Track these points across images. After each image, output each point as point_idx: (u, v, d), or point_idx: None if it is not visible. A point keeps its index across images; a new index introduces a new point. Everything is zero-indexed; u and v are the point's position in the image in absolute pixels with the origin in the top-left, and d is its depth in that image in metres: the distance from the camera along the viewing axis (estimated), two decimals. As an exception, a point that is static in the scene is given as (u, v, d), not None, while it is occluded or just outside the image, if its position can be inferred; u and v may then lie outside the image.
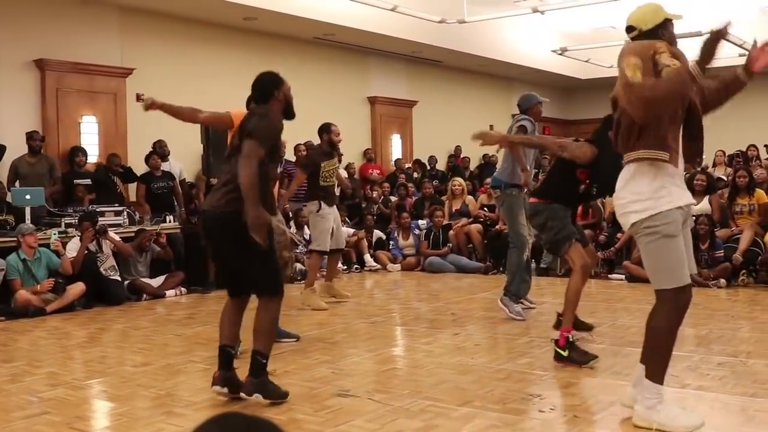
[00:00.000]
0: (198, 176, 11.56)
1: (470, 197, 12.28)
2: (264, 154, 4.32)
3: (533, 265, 9.00)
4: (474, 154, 16.75)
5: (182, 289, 9.29)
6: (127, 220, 9.48)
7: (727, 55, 17.06)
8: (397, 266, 11.49)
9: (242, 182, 4.21)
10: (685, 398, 4.34)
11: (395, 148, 15.73)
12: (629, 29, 3.96)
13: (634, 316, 7.08)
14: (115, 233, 9.06)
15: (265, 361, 4.40)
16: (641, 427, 3.82)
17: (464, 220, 11.58)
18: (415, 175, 15.08)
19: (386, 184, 13.59)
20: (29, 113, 10.11)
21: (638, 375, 3.97)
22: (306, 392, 4.66)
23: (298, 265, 10.31)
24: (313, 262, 8.18)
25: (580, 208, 9.80)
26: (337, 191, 9.41)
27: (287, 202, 10.87)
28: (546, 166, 12.26)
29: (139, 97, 8.04)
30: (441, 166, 16.14)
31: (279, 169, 6.11)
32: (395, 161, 15.11)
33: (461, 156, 16.41)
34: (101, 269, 8.68)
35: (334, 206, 8.27)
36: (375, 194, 12.99)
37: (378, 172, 14.49)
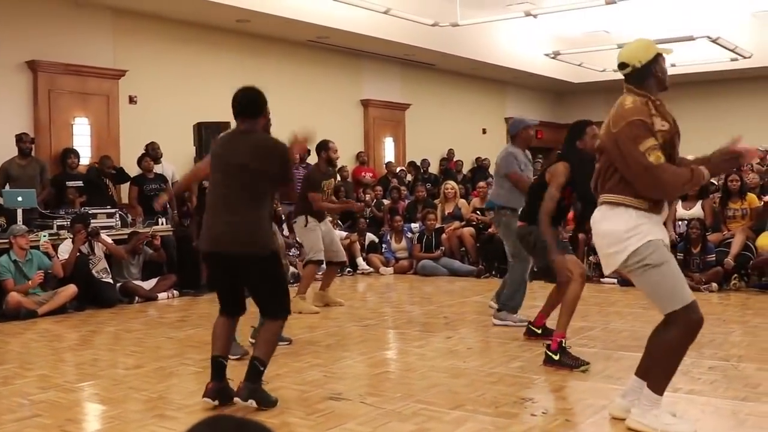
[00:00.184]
0: (190, 179, 11.53)
1: (463, 200, 12.29)
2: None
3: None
4: (467, 157, 16.79)
5: (174, 291, 9.27)
6: (119, 223, 9.46)
7: (720, 59, 17.23)
8: (390, 269, 11.49)
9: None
10: (677, 402, 4.35)
11: (388, 151, 15.72)
12: (622, 66, 3.93)
13: (626, 320, 7.10)
14: (108, 235, 9.04)
15: (262, 368, 4.41)
16: (635, 430, 3.83)
17: (457, 224, 11.58)
18: (409, 177, 15.09)
19: (379, 188, 13.58)
20: (21, 115, 10.08)
21: (631, 386, 3.99)
22: (298, 395, 4.66)
23: (291, 269, 10.30)
24: (309, 272, 8.15)
25: (571, 213, 9.85)
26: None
27: (280, 205, 10.88)
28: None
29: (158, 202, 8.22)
30: (434, 169, 16.14)
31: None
32: (386, 164, 15.11)
33: (454, 159, 16.42)
34: (93, 272, 8.66)
35: (326, 219, 8.25)
36: (368, 197, 12.99)
37: (371, 175, 14.48)
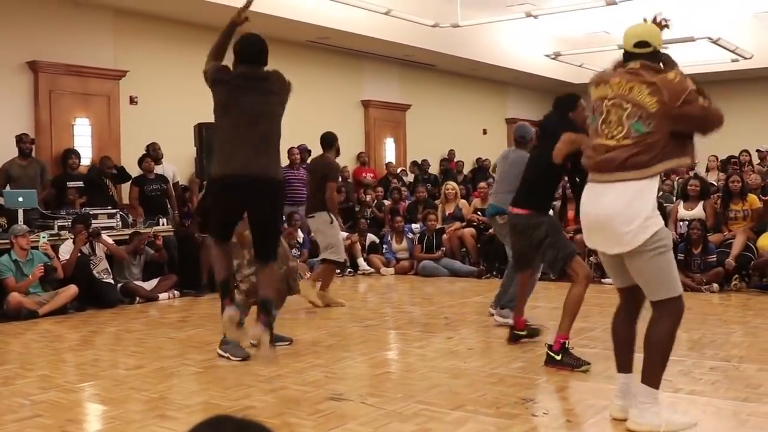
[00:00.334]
0: (191, 179, 11.54)
1: (464, 201, 12.28)
2: None
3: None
4: (468, 158, 16.79)
5: (175, 292, 9.28)
6: (120, 223, 9.47)
7: (721, 60, 17.23)
8: (391, 270, 11.49)
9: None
10: (678, 403, 4.35)
11: (389, 152, 15.73)
12: (644, 44, 3.93)
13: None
14: (108, 236, 9.05)
15: (275, 312, 5.35)
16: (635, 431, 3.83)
17: (457, 224, 11.58)
18: (411, 176, 15.10)
19: (380, 188, 13.58)
20: (22, 115, 10.08)
21: (622, 386, 3.99)
22: (299, 396, 4.65)
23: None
24: (329, 272, 8.41)
25: (572, 213, 9.85)
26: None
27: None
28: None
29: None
30: (434, 170, 16.14)
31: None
32: (386, 165, 15.11)
33: (455, 160, 16.41)
34: (94, 272, 8.66)
35: None
36: (368, 198, 12.99)
37: (371, 175, 14.49)
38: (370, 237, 12.05)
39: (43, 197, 9.53)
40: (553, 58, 16.88)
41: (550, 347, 5.25)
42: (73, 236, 8.56)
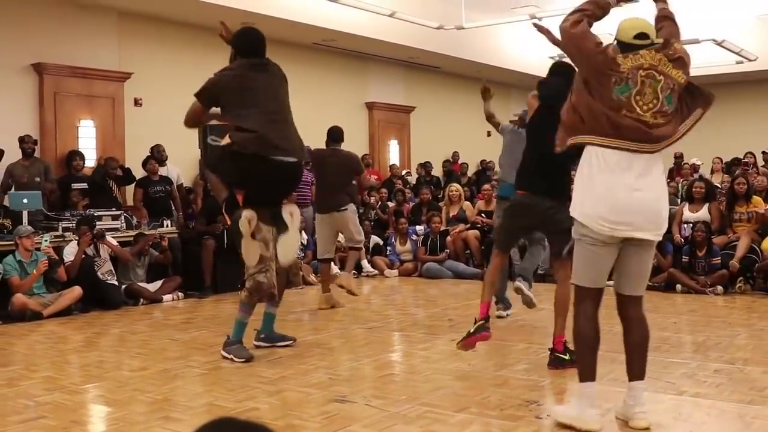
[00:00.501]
0: (195, 181, 11.56)
1: (468, 203, 12.27)
2: None
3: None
4: (472, 159, 16.78)
5: (179, 293, 9.28)
6: (124, 225, 9.48)
7: (725, 62, 17.21)
8: (395, 272, 11.48)
9: None
10: (682, 405, 4.34)
11: (393, 154, 15.74)
12: (644, 36, 3.90)
13: (631, 322, 7.07)
14: (113, 237, 9.06)
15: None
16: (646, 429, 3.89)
17: (462, 226, 11.57)
18: (414, 177, 15.10)
19: (384, 190, 13.58)
20: (27, 117, 10.11)
21: (594, 394, 3.98)
22: (303, 398, 4.66)
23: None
24: (355, 256, 8.83)
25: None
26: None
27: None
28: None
29: None
30: (437, 172, 16.14)
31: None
32: (391, 167, 15.12)
33: (459, 162, 16.41)
34: (98, 273, 8.67)
35: None
36: (372, 200, 12.99)
37: (375, 177, 14.48)
38: (374, 239, 12.05)
39: (48, 197, 9.56)
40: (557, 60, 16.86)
41: (552, 350, 5.25)
42: (77, 238, 8.58)
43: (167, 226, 9.81)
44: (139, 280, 9.16)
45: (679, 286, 9.02)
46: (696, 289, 8.87)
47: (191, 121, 5.76)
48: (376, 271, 11.46)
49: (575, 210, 3.88)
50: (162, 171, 10.66)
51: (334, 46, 13.77)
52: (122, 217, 9.50)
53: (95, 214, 9.09)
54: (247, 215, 5.39)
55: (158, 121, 11.26)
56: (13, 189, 9.40)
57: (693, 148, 16.15)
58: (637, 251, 3.87)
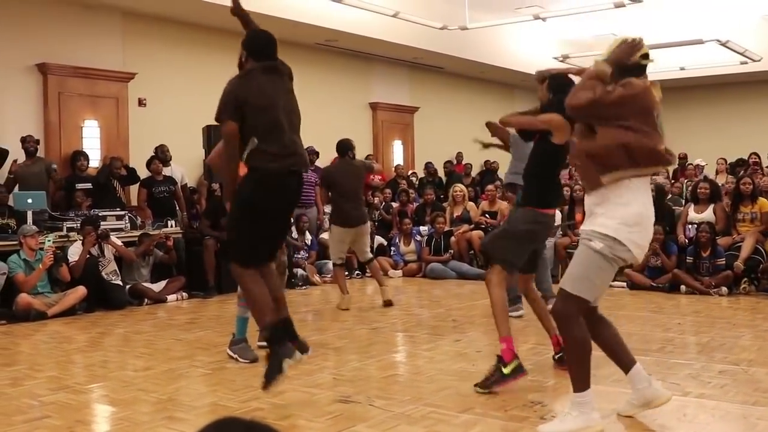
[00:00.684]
0: (199, 181, 11.57)
1: (471, 203, 12.27)
2: None
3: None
4: (476, 160, 16.76)
5: (183, 293, 9.30)
6: (128, 225, 9.49)
7: (730, 62, 17.16)
8: (399, 272, 11.49)
9: None
10: (687, 406, 4.33)
11: (397, 154, 15.74)
12: (647, 57, 3.93)
13: (636, 323, 7.08)
14: (117, 237, 9.07)
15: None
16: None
17: (466, 227, 11.57)
18: (423, 175, 15.13)
19: (388, 190, 13.58)
20: (31, 117, 10.13)
21: (635, 382, 4.03)
22: (307, 398, 4.66)
23: (300, 271, 10.32)
24: (377, 265, 8.97)
25: (580, 216, 9.83)
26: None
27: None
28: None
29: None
30: (441, 172, 16.13)
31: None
32: (395, 167, 15.12)
33: (463, 162, 16.39)
34: (103, 274, 8.69)
35: None
36: (376, 200, 12.99)
37: (379, 178, 14.47)
38: (378, 239, 12.05)
39: (53, 196, 9.58)
40: (561, 61, 16.85)
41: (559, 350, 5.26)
42: (81, 238, 8.59)
43: (171, 226, 9.82)
44: (144, 280, 9.17)
45: (683, 287, 9.00)
46: (700, 290, 8.86)
47: (230, 150, 4.75)
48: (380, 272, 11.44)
49: (619, 232, 3.79)
50: (166, 171, 10.66)
51: (338, 46, 13.78)
52: (126, 218, 9.52)
53: (99, 215, 9.10)
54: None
55: (162, 121, 11.27)
56: (17, 189, 9.41)
57: (697, 148, 16.21)
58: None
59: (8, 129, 9.76)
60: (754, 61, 15.93)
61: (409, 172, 15.18)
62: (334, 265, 8.72)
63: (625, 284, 9.42)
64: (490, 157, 16.59)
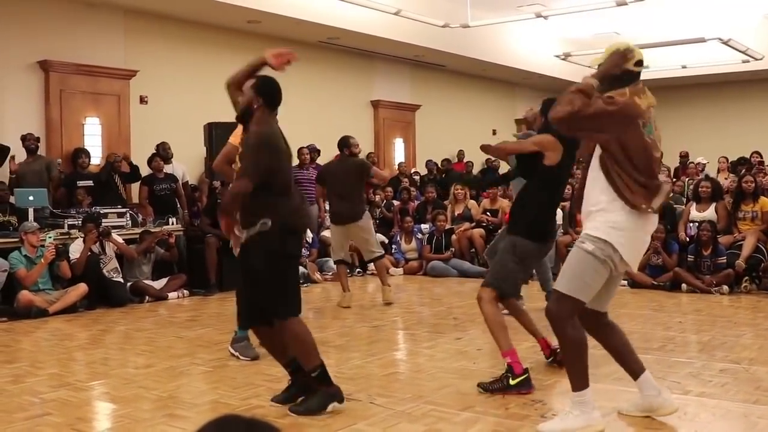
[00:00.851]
0: (201, 179, 11.57)
1: (473, 201, 12.27)
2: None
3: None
4: (477, 158, 16.76)
5: (184, 291, 9.30)
6: (129, 222, 9.50)
7: (732, 61, 17.16)
8: (400, 270, 11.48)
9: None
10: (687, 404, 4.33)
11: (398, 152, 15.74)
12: (642, 64, 3.95)
13: (637, 322, 7.08)
14: (118, 235, 9.08)
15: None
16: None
17: (467, 225, 11.57)
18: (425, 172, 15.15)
19: (389, 188, 13.57)
20: (33, 114, 10.13)
21: (644, 386, 4.02)
22: (308, 396, 4.65)
23: (301, 269, 10.31)
24: (384, 266, 8.80)
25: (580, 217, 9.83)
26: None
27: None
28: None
29: None
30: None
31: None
32: (399, 165, 15.11)
33: (464, 160, 16.39)
34: (104, 271, 8.69)
35: None
36: (378, 198, 12.99)
37: (381, 176, 14.46)
38: (380, 237, 12.02)
39: (54, 194, 9.59)
40: (563, 59, 16.85)
41: (556, 350, 5.27)
42: (83, 235, 8.60)
43: (172, 223, 9.83)
44: (145, 278, 9.18)
45: (684, 286, 9.00)
46: (701, 289, 8.85)
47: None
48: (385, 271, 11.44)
49: (610, 235, 3.80)
50: (167, 169, 10.67)
51: (340, 44, 13.77)
52: (128, 215, 9.53)
53: (101, 212, 9.10)
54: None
55: (164, 118, 11.28)
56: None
57: (698, 147, 16.20)
58: (618, 276, 4.05)
59: (9, 126, 9.77)
60: (755, 59, 15.91)
61: (412, 170, 15.18)
62: (335, 262, 8.72)
63: (626, 283, 9.42)
64: (491, 156, 16.60)
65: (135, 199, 10.63)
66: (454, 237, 11.39)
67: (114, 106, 10.87)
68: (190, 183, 11.35)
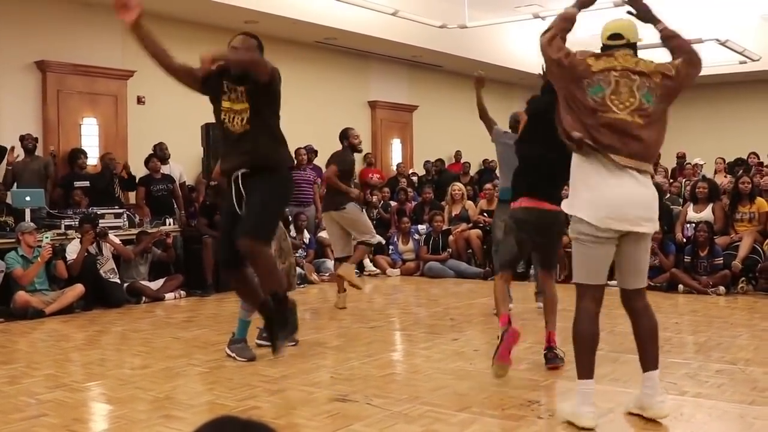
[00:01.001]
0: (198, 179, 11.57)
1: (470, 202, 12.27)
2: None
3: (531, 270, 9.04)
4: (474, 159, 16.77)
5: (181, 292, 9.29)
6: (126, 223, 9.49)
7: (729, 62, 17.18)
8: (397, 271, 11.48)
9: None
10: (684, 405, 4.34)
11: (395, 153, 15.74)
12: (617, 37, 4.04)
13: (633, 322, 7.07)
14: (115, 236, 9.07)
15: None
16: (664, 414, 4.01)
17: (464, 226, 11.57)
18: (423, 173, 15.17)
19: (386, 189, 13.58)
20: (30, 115, 10.12)
21: (590, 392, 4.00)
22: (304, 397, 4.66)
23: (298, 269, 10.31)
24: (362, 253, 8.56)
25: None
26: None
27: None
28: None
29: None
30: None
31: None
32: (397, 165, 15.11)
33: (462, 161, 16.37)
34: (101, 272, 8.68)
35: None
36: (375, 199, 12.98)
37: (378, 176, 14.48)
38: (377, 238, 12.02)
39: (51, 194, 9.58)
40: (561, 60, 16.83)
41: (552, 347, 5.28)
42: (80, 236, 8.59)
43: (170, 224, 9.82)
44: (142, 279, 9.17)
45: (681, 287, 9.01)
46: (698, 290, 8.86)
47: None
48: (378, 270, 11.46)
49: (573, 208, 3.95)
50: (164, 169, 10.66)
51: (337, 44, 13.77)
52: (125, 216, 9.52)
53: (98, 213, 9.10)
54: None
55: (161, 119, 11.27)
56: (15, 186, 9.41)
57: (695, 148, 16.20)
58: (635, 246, 3.97)
59: (6, 127, 9.76)
60: (753, 60, 15.93)
61: (410, 171, 15.18)
62: (336, 260, 8.67)
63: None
64: (489, 156, 16.61)
65: (132, 200, 10.63)
66: (451, 238, 11.39)
67: (111, 106, 10.86)
68: (187, 183, 11.34)
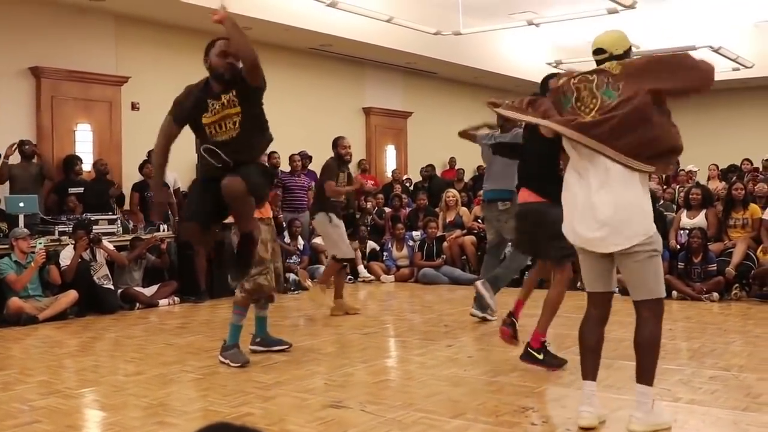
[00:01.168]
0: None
1: (464, 209, 12.27)
2: None
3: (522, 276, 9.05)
4: (468, 165, 16.77)
5: (175, 298, 9.27)
6: (120, 229, 9.48)
7: (722, 69, 17.27)
8: (391, 277, 11.48)
9: None
10: (677, 412, 4.34)
11: (390, 159, 15.75)
12: (600, 51, 4.09)
13: (628, 329, 7.03)
14: (109, 242, 9.06)
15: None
16: None
17: (458, 232, 11.57)
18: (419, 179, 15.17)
19: (380, 195, 13.58)
20: (24, 121, 10.10)
21: (590, 393, 4.10)
22: (298, 403, 4.65)
23: (292, 276, 10.31)
24: (332, 269, 8.33)
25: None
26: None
27: (281, 212, 10.89)
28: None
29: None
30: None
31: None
32: (392, 172, 15.11)
33: (456, 167, 16.38)
34: (95, 278, 8.66)
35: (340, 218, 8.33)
36: (369, 205, 12.99)
37: (372, 183, 14.48)
38: (371, 244, 12.05)
39: (45, 199, 9.56)
40: (555, 66, 16.85)
41: (529, 344, 5.34)
42: (73, 242, 8.57)
43: (163, 230, 9.81)
44: (135, 285, 9.15)
45: (674, 293, 9.01)
46: (692, 296, 8.87)
47: None
48: (372, 277, 11.46)
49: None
50: (159, 175, 10.62)
51: (331, 51, 13.78)
52: (118, 222, 9.51)
53: (92, 219, 9.08)
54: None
55: (155, 125, 11.05)
56: (8, 191, 9.39)
57: (689, 154, 16.13)
58: (622, 261, 4.02)
59: (1, 132, 9.73)
60: (746, 67, 15.98)
61: (404, 177, 15.18)
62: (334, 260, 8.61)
63: (616, 290, 9.41)
64: (483, 163, 16.61)
65: (126, 206, 10.61)
66: (445, 244, 11.39)
67: (105, 112, 10.85)
68: (181, 190, 11.31)
